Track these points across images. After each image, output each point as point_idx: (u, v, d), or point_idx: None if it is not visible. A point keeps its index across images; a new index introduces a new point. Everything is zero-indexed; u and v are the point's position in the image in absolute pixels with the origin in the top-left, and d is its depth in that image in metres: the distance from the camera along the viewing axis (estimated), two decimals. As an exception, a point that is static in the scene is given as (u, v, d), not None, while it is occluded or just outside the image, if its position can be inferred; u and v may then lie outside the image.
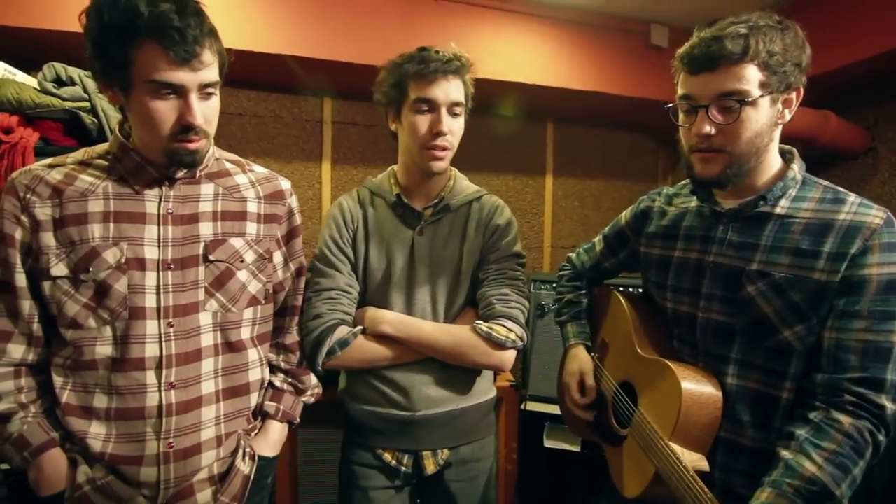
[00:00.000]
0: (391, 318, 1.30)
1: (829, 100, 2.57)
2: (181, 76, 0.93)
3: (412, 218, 1.35)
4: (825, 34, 2.34)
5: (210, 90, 0.99)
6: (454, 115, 1.28)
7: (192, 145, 0.99)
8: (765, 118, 0.98)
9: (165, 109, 0.95)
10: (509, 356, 1.30)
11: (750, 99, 0.95)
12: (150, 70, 0.92)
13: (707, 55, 0.96)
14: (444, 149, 1.27)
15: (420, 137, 1.26)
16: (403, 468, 1.32)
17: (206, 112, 0.99)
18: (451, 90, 1.25)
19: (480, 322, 1.29)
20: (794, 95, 1.00)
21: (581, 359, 1.37)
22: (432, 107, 1.25)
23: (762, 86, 0.95)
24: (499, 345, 1.26)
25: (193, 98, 0.96)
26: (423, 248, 1.34)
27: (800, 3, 2.46)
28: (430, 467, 1.32)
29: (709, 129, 0.98)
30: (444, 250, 1.35)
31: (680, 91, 1.03)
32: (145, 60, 0.91)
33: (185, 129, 0.97)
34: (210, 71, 0.97)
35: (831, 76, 2.38)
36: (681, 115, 1.05)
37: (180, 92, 0.95)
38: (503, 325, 1.27)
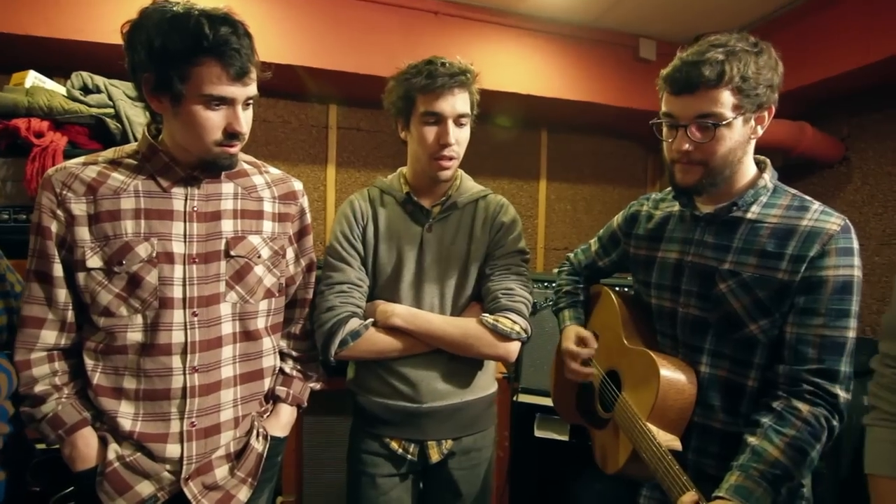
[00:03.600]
0: (402, 312, 1.34)
1: (806, 112, 2.69)
2: (233, 90, 1.03)
3: (421, 215, 1.40)
4: (802, 50, 2.47)
5: (250, 101, 1.09)
6: (460, 125, 1.32)
7: (232, 150, 1.09)
8: (738, 136, 1.05)
9: (215, 118, 1.04)
10: (514, 347, 1.34)
11: (724, 121, 1.02)
12: (206, 84, 1.00)
13: (687, 79, 1.03)
14: (450, 158, 1.32)
15: (428, 148, 1.31)
16: (409, 456, 1.36)
17: (247, 121, 1.10)
18: (457, 103, 1.29)
19: (487, 315, 1.33)
20: (766, 113, 1.07)
21: (577, 328, 1.44)
22: (439, 119, 1.29)
23: (735, 108, 1.02)
24: (504, 336, 1.31)
25: (240, 109, 1.06)
26: (432, 244, 1.38)
27: (777, 20, 2.59)
28: (434, 456, 1.37)
29: (687, 146, 1.06)
30: (452, 246, 1.39)
31: (663, 109, 1.10)
32: (203, 76, 1.00)
33: (231, 136, 1.07)
34: (254, 86, 1.07)
35: (808, 90, 2.50)
36: (664, 130, 1.12)
37: (229, 104, 1.04)
38: (508, 318, 1.31)
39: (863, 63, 2.24)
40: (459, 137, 1.33)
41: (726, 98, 1.02)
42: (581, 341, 1.40)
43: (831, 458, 2.13)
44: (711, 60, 1.01)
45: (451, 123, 1.30)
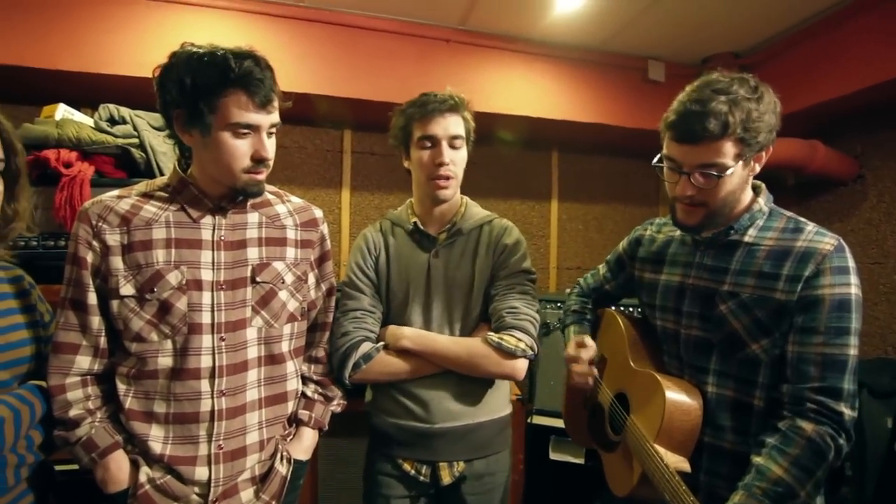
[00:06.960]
0: (410, 334, 1.39)
1: (818, 130, 2.67)
2: (258, 118, 1.10)
3: (428, 242, 1.46)
4: (813, 69, 2.46)
5: (273, 129, 1.15)
6: (454, 147, 1.39)
7: (259, 176, 1.15)
8: (738, 179, 1.09)
9: (243, 146, 1.11)
10: (520, 365, 1.36)
11: (727, 171, 1.06)
12: (234, 114, 1.07)
13: (691, 130, 1.04)
14: (447, 178, 1.38)
15: (425, 170, 1.39)
16: (421, 478, 1.38)
17: (272, 147, 1.16)
18: (449, 125, 1.37)
19: (491, 333, 1.35)
20: (764, 152, 1.10)
21: (577, 336, 1.45)
22: (433, 142, 1.37)
23: (737, 157, 1.05)
24: (509, 354, 1.33)
25: (265, 136, 1.12)
26: (439, 269, 1.43)
27: (788, 40, 2.59)
28: (446, 478, 1.38)
29: (691, 192, 1.10)
30: (457, 271, 1.43)
31: (665, 152, 1.12)
32: (230, 106, 1.07)
33: (257, 162, 1.13)
34: (276, 114, 1.14)
35: (820, 109, 2.48)
36: (666, 171, 1.14)
37: (255, 130, 1.11)
38: (513, 336, 1.34)
39: (876, 81, 2.24)
40: (455, 158, 1.40)
41: (728, 149, 1.05)
42: (580, 344, 1.42)
43: (856, 482, 2.09)
44: (715, 112, 1.02)
45: (444, 145, 1.38)
